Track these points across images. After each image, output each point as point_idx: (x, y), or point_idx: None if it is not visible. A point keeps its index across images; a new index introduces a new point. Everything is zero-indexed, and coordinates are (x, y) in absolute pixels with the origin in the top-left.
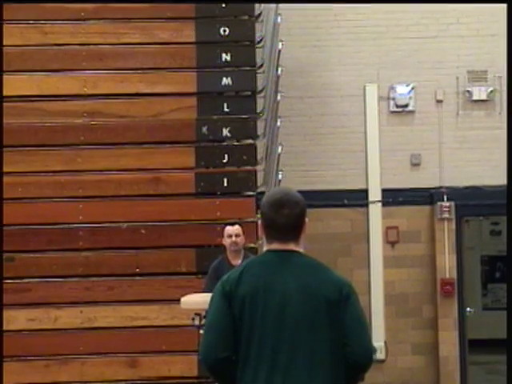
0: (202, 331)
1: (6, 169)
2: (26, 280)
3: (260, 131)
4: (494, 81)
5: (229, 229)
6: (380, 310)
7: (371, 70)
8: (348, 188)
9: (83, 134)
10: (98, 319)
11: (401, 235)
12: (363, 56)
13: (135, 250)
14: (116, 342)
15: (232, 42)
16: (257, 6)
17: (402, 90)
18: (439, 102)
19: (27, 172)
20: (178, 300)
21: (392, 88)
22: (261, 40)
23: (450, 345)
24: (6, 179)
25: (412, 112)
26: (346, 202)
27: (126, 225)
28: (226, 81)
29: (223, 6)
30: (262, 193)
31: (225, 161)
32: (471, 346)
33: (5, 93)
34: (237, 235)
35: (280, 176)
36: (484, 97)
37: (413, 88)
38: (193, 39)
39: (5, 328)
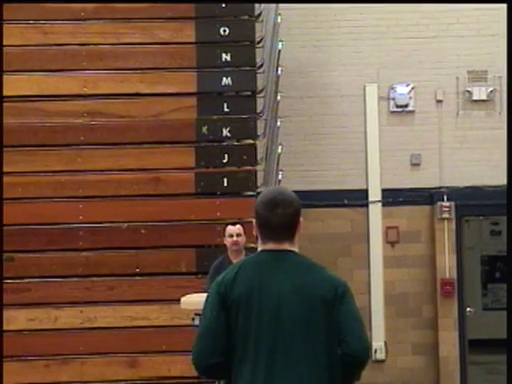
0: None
1: (5, 169)
2: (26, 280)
3: (260, 131)
4: (494, 81)
5: (230, 228)
6: (380, 309)
7: (371, 69)
8: (348, 188)
9: (83, 134)
10: (98, 319)
11: (401, 235)
12: (363, 56)
13: (135, 250)
14: (116, 342)
15: (232, 42)
16: (257, 5)
17: (402, 90)
18: (439, 102)
19: (27, 172)
20: (178, 300)
21: (392, 88)
22: (261, 40)
23: (450, 345)
24: (5, 179)
25: (412, 112)
26: (346, 201)
27: (126, 225)
28: (225, 81)
29: (223, 5)
30: None
31: (225, 161)
32: (471, 346)
33: (5, 93)
34: (238, 235)
35: (280, 176)
36: (484, 97)
37: (413, 88)
38: (193, 39)
39: (5, 328)
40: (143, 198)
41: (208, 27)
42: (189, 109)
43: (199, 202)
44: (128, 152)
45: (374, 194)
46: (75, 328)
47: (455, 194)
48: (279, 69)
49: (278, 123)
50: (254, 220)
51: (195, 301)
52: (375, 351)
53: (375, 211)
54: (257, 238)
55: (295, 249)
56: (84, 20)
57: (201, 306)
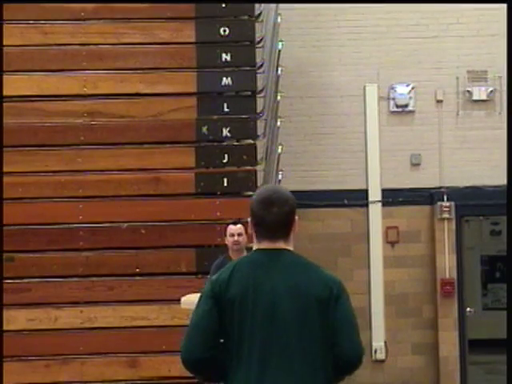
0: None
1: (5, 169)
2: (26, 280)
3: (260, 131)
4: (494, 81)
5: (231, 228)
6: (380, 310)
7: (371, 69)
8: (348, 188)
9: (83, 134)
10: (98, 319)
11: (401, 235)
12: (363, 56)
13: (135, 250)
14: (116, 341)
15: (232, 42)
16: (257, 5)
17: (402, 89)
18: (439, 102)
19: (27, 172)
20: (178, 300)
21: (392, 88)
22: (261, 40)
23: (450, 345)
24: (5, 179)
25: (412, 112)
26: (346, 202)
27: (126, 225)
28: (225, 81)
29: (223, 5)
30: None
31: (225, 161)
32: (471, 346)
33: (5, 93)
34: (239, 234)
35: (280, 176)
36: (484, 97)
37: (413, 88)
38: (193, 39)
39: (5, 328)
40: (143, 197)
41: (208, 27)
42: (189, 109)
43: (199, 201)
44: (128, 152)
45: (374, 194)
46: (75, 328)
47: (455, 193)
48: (279, 69)
49: (278, 123)
50: (249, 218)
51: (195, 301)
52: (375, 351)
53: (375, 211)
54: (252, 236)
55: (290, 247)
56: (84, 20)
57: None
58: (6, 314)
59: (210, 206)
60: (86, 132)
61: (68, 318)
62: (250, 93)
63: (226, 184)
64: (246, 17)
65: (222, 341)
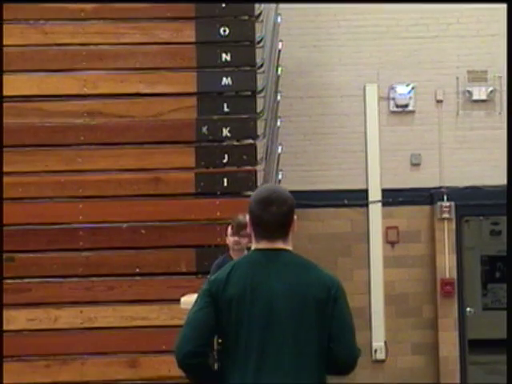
0: None
1: (5, 169)
2: (26, 280)
3: (260, 131)
4: (494, 81)
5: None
6: (380, 309)
7: (371, 69)
8: (348, 188)
9: (83, 134)
10: (98, 319)
11: (401, 235)
12: (363, 56)
13: (135, 250)
14: (116, 341)
15: (232, 42)
16: (257, 5)
17: (402, 89)
18: (439, 102)
19: (27, 172)
20: (178, 300)
21: (392, 88)
22: (261, 40)
23: (450, 345)
24: (5, 179)
25: (412, 112)
26: (346, 202)
27: (125, 225)
28: (225, 81)
29: (223, 5)
30: None
31: (225, 161)
32: (471, 346)
33: (5, 93)
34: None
35: (280, 176)
36: (484, 97)
37: (413, 88)
38: (193, 39)
39: (5, 328)
40: (143, 198)
41: (208, 27)
42: (189, 109)
43: (199, 202)
44: (128, 152)
45: (374, 194)
46: (75, 328)
47: (455, 193)
48: (279, 69)
49: (278, 123)
50: (247, 218)
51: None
52: (375, 351)
53: (375, 211)
54: (251, 236)
55: (289, 247)
56: (84, 20)
57: None
58: (6, 314)
59: (209, 206)
60: (86, 132)
61: (68, 318)
62: (249, 93)
63: (225, 184)
64: (246, 17)
65: (220, 341)
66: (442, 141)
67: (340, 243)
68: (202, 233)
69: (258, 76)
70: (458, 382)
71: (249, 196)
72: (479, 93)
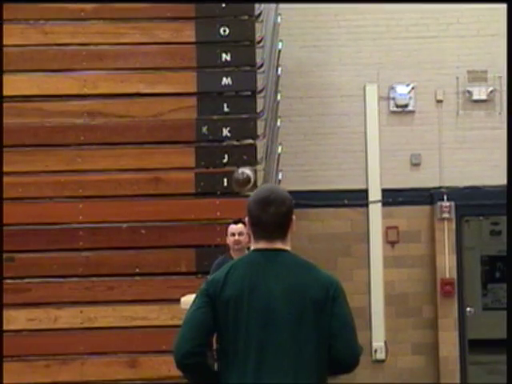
0: None
1: (5, 169)
2: (26, 280)
3: (260, 131)
4: (494, 81)
5: (232, 227)
6: (380, 309)
7: (371, 70)
8: (348, 188)
9: (83, 134)
10: (98, 319)
11: (401, 235)
12: (363, 56)
13: (135, 250)
14: (116, 341)
15: (232, 42)
16: (257, 5)
17: (402, 89)
18: (439, 102)
19: (27, 172)
20: (178, 300)
21: (392, 88)
22: (261, 40)
23: (449, 345)
24: (5, 179)
25: (412, 112)
26: (346, 202)
27: (125, 225)
28: (225, 81)
29: (223, 5)
30: None
31: (225, 161)
32: (471, 346)
33: (5, 93)
34: (240, 234)
35: (280, 176)
36: (484, 97)
37: (413, 88)
38: (193, 39)
39: (5, 328)
40: (143, 198)
41: (208, 27)
42: (189, 109)
43: (199, 202)
44: (128, 152)
45: (374, 194)
46: (75, 328)
47: (455, 193)
48: (279, 69)
49: (278, 123)
50: (246, 218)
51: None
52: (375, 351)
53: (375, 211)
54: (250, 236)
55: (288, 247)
56: (84, 20)
57: None
58: (6, 314)
59: (209, 206)
60: (86, 132)
61: (68, 317)
62: (249, 93)
63: (225, 184)
64: (246, 17)
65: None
66: (441, 141)
67: (340, 243)
68: (201, 233)
69: (258, 76)
70: (458, 382)
71: (248, 196)
72: (479, 93)
